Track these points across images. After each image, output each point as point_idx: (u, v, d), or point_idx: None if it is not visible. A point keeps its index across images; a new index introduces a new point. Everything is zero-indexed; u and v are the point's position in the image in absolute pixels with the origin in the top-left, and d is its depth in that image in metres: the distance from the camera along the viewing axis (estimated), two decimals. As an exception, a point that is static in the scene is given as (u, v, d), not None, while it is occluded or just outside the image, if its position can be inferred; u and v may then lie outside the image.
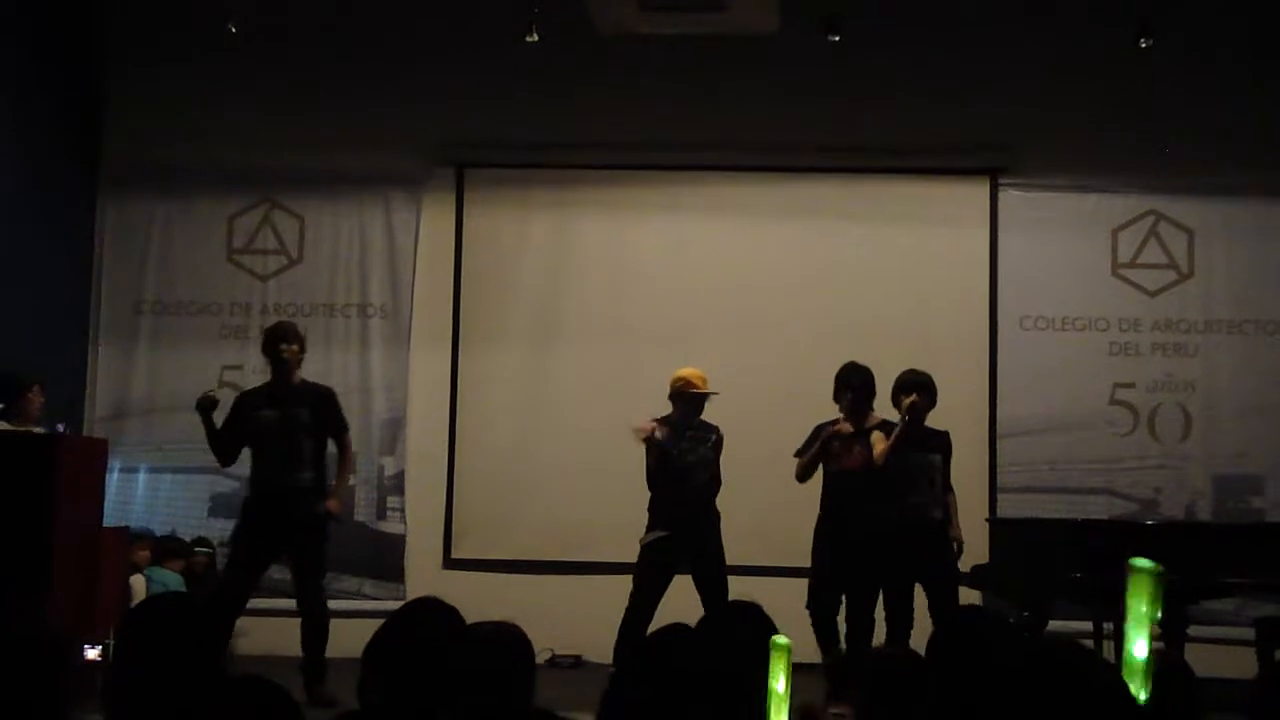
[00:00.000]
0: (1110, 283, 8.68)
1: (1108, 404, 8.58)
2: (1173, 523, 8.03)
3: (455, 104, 8.82)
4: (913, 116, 8.62)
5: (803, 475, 6.92)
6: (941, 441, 6.93)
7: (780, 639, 2.62)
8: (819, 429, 6.94)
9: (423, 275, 8.91)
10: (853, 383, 6.89)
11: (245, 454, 6.93)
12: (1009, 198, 8.72)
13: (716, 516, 7.02)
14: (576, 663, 8.07)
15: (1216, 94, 8.53)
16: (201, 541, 8.20)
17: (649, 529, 6.97)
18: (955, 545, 6.86)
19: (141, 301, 8.95)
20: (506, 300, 8.83)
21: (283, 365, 6.81)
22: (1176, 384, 8.59)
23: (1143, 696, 2.61)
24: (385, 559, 8.63)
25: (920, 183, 8.76)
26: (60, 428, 6.67)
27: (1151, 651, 2.76)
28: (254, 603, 6.78)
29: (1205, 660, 4.37)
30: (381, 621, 3.04)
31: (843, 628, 6.74)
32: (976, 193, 8.74)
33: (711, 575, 6.82)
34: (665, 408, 7.12)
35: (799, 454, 6.93)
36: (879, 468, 6.73)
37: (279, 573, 6.97)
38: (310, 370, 6.95)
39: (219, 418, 6.82)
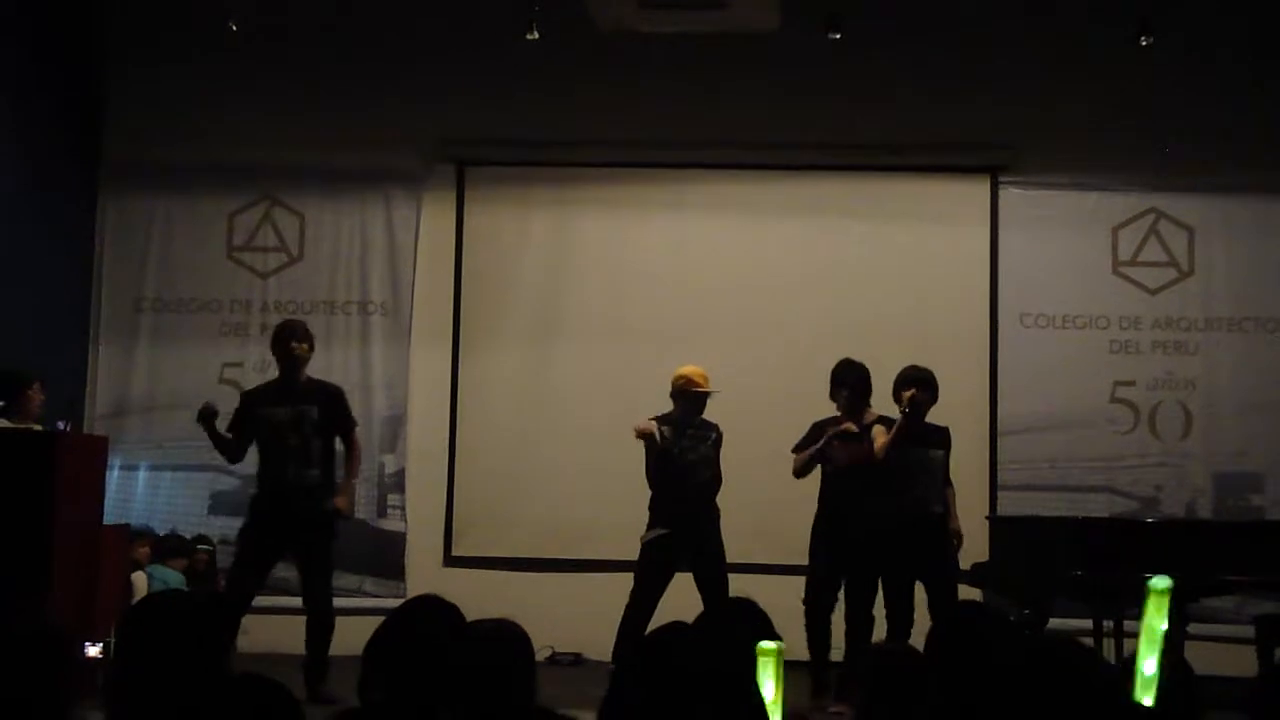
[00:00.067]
0: (1111, 281, 8.69)
1: (1108, 402, 8.59)
2: (1173, 521, 8.04)
3: (456, 101, 8.83)
4: (913, 115, 8.62)
5: (801, 472, 6.92)
6: (942, 437, 6.93)
7: (767, 645, 2.60)
8: (817, 425, 6.94)
9: (423, 273, 8.91)
10: (848, 379, 6.89)
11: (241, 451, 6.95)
12: (1009, 196, 8.72)
13: (717, 514, 7.02)
14: (576, 660, 8.08)
15: (1216, 92, 8.54)
16: (202, 539, 8.21)
17: (650, 527, 6.97)
18: (955, 538, 6.87)
19: (142, 299, 8.95)
20: (507, 298, 8.83)
21: (293, 363, 6.81)
22: (1177, 382, 8.59)
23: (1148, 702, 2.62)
24: (386, 556, 8.64)
25: (921, 181, 8.76)
26: (62, 425, 6.67)
27: (1160, 667, 2.76)
28: (255, 600, 6.78)
29: (1205, 658, 4.38)
30: (382, 619, 3.05)
31: (841, 626, 6.74)
32: (977, 191, 8.75)
33: (712, 574, 6.82)
34: (666, 405, 7.12)
35: (797, 449, 6.93)
36: (879, 461, 6.73)
37: (280, 571, 6.97)
38: (310, 368, 6.95)
39: (220, 422, 6.79)
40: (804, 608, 6.72)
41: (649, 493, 7.03)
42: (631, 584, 6.94)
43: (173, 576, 7.53)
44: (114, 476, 8.11)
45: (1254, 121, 8.54)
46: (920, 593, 6.73)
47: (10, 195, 8.00)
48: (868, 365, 6.95)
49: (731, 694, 2.74)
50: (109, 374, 8.87)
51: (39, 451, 6.17)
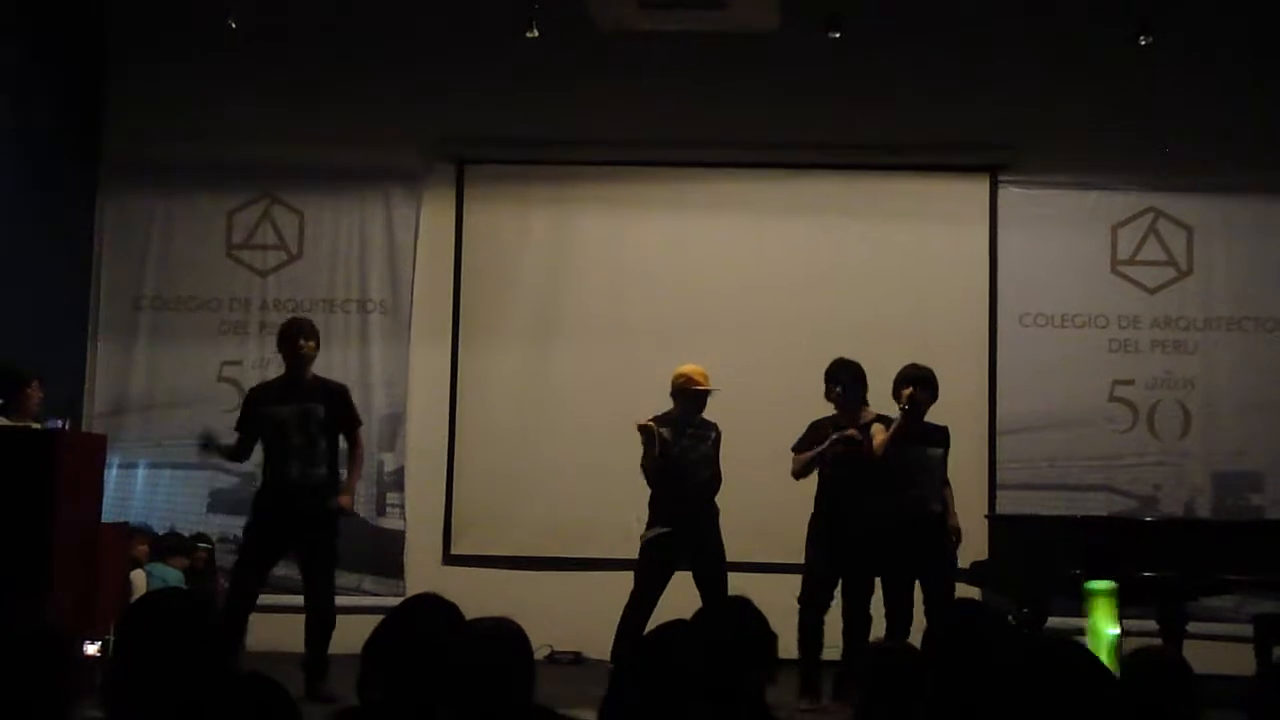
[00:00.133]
0: (1110, 280, 8.69)
1: (1107, 401, 8.59)
2: (1172, 520, 8.05)
3: (455, 100, 8.83)
4: (913, 114, 8.62)
5: (801, 474, 6.91)
6: (941, 436, 6.93)
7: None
8: (815, 425, 6.94)
9: (423, 271, 8.91)
10: (841, 378, 6.89)
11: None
12: (1009, 195, 8.72)
13: (716, 514, 7.02)
14: (576, 659, 8.08)
15: (1216, 92, 8.54)
16: (201, 537, 8.20)
17: (649, 526, 6.97)
18: (954, 536, 6.87)
19: (141, 297, 8.95)
20: (506, 296, 8.83)
21: (299, 361, 6.82)
22: (1176, 381, 8.59)
23: None
24: (385, 555, 8.64)
25: (920, 180, 8.76)
26: (62, 423, 6.67)
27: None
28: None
29: (1204, 657, 4.37)
30: (381, 618, 3.05)
31: (835, 625, 6.75)
32: (976, 190, 8.75)
33: (712, 573, 6.82)
34: (666, 404, 7.11)
35: (797, 449, 6.93)
36: (877, 459, 6.73)
37: (279, 569, 6.97)
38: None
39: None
40: (798, 606, 6.73)
41: (648, 492, 7.02)
42: (630, 583, 6.94)
43: (172, 575, 7.53)
44: (113, 474, 8.11)
45: (1253, 121, 8.54)
46: (918, 591, 6.73)
47: (10, 193, 8.00)
48: (868, 364, 6.95)
49: (730, 693, 2.74)
50: (108, 372, 8.87)
51: (38, 450, 6.16)
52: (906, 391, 6.75)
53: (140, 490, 8.68)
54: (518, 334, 8.79)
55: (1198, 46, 8.49)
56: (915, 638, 6.08)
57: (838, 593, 6.78)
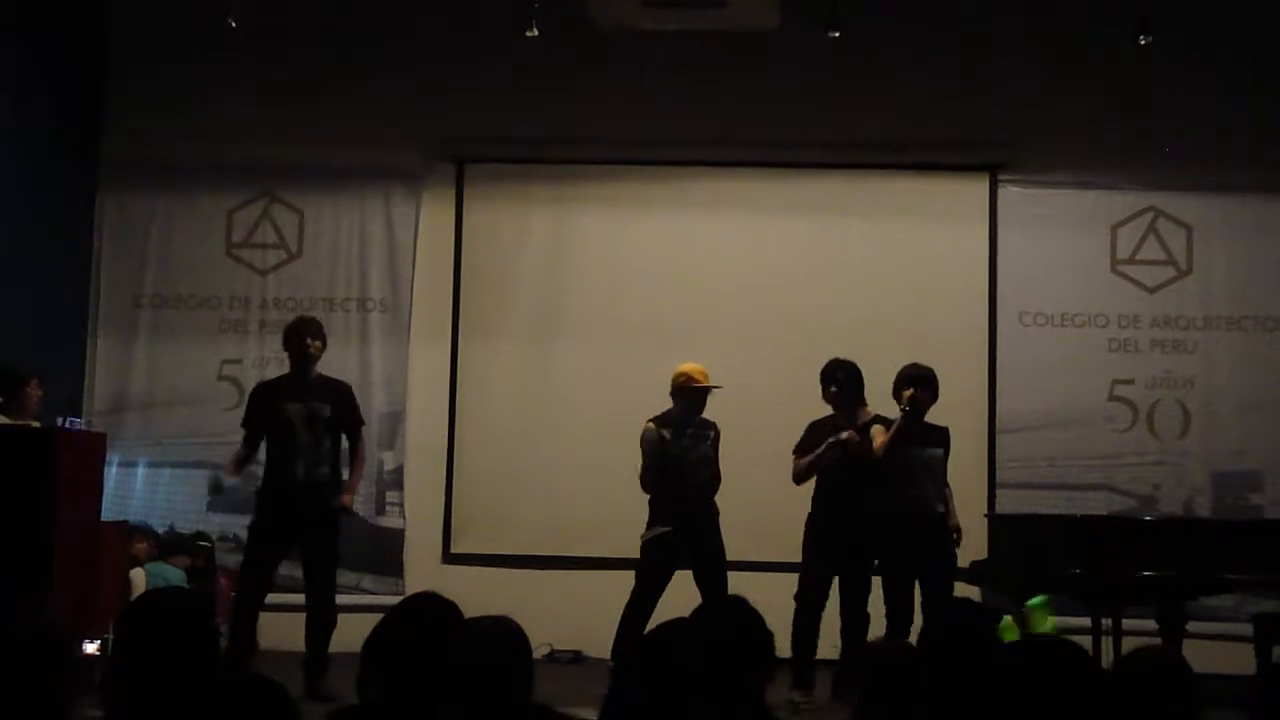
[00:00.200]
0: (1109, 279, 8.69)
1: (1107, 400, 8.59)
2: (1171, 519, 8.05)
3: (455, 99, 8.82)
4: (913, 113, 8.62)
5: (801, 479, 6.92)
6: (941, 436, 6.93)
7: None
8: (814, 426, 6.94)
9: (422, 270, 8.91)
10: (837, 377, 6.90)
11: (234, 450, 6.98)
12: (1009, 194, 8.72)
13: (716, 513, 7.02)
14: (575, 658, 8.08)
15: (1215, 91, 8.54)
16: (201, 536, 8.20)
17: (650, 526, 6.97)
18: (955, 533, 6.87)
19: (141, 295, 8.94)
20: (506, 295, 8.83)
21: (306, 360, 6.84)
22: (1175, 380, 8.59)
23: None
24: (384, 553, 8.64)
25: (920, 179, 8.76)
26: (75, 422, 6.67)
27: None
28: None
29: (1204, 657, 4.37)
30: (380, 616, 3.05)
31: (831, 623, 6.75)
32: (976, 189, 8.74)
33: (713, 573, 6.81)
34: (666, 403, 7.11)
35: (797, 452, 6.93)
36: (877, 459, 6.73)
37: (282, 568, 6.96)
38: (308, 364, 6.98)
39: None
40: (794, 603, 6.73)
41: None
42: (630, 581, 6.95)
43: (173, 574, 7.52)
44: (112, 473, 8.11)
45: (1253, 120, 8.54)
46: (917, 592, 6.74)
47: (10, 193, 8.00)
48: (868, 362, 6.95)
49: (731, 692, 2.74)
50: (108, 370, 8.87)
51: (37, 448, 6.17)
52: (907, 393, 6.74)
53: (140, 489, 8.68)
54: (517, 333, 8.79)
55: (1197, 46, 8.49)
56: (914, 637, 6.10)
57: (834, 592, 6.79)
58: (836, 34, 8.14)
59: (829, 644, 6.78)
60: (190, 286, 8.93)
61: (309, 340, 6.83)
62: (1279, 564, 6.52)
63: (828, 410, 6.97)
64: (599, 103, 8.72)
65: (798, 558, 6.93)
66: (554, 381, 8.73)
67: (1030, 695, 2.49)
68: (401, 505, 8.74)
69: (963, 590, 6.89)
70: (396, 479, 8.77)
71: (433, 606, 3.08)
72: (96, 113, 8.97)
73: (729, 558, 6.97)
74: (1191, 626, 6.54)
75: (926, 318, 8.49)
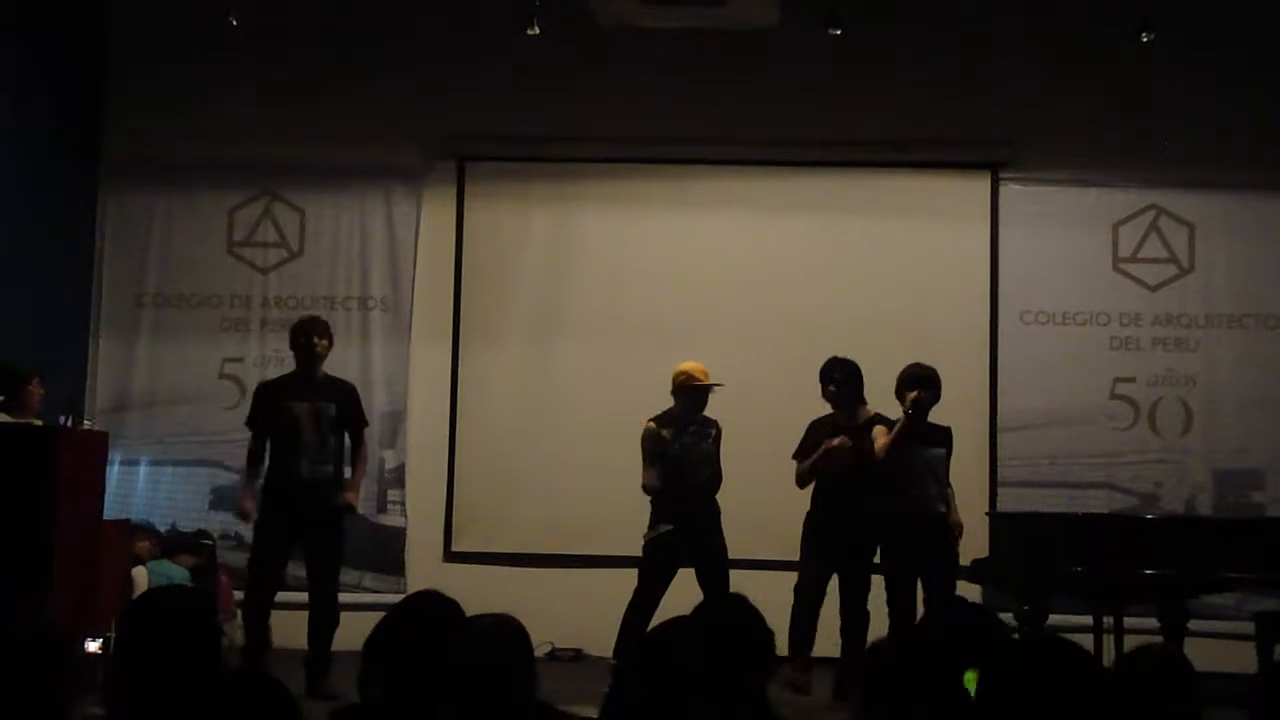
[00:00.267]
0: (1111, 277, 8.68)
1: (1108, 398, 8.58)
2: (1173, 517, 8.04)
3: (456, 97, 8.82)
4: (914, 111, 8.61)
5: (803, 482, 6.93)
6: (944, 436, 6.94)
7: None
8: (814, 425, 6.94)
9: (423, 269, 8.91)
10: (835, 377, 6.91)
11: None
12: (1010, 192, 8.71)
13: (718, 512, 7.03)
14: (577, 656, 8.08)
15: (1217, 89, 8.53)
16: (202, 534, 8.21)
17: (652, 525, 6.98)
18: (955, 529, 6.87)
19: (142, 294, 8.94)
20: (507, 294, 8.83)
21: (312, 359, 6.86)
22: (1177, 378, 8.59)
23: None
24: (386, 552, 8.64)
25: (921, 177, 8.75)
26: (85, 421, 6.68)
27: None
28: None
29: (1205, 655, 4.37)
30: (382, 615, 3.05)
31: (829, 621, 6.75)
32: (977, 187, 8.74)
33: (715, 572, 6.82)
34: (667, 402, 7.12)
35: (797, 455, 6.93)
36: (878, 460, 6.73)
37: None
38: (308, 363, 6.99)
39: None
40: (793, 596, 6.73)
41: (649, 489, 7.04)
42: (631, 579, 6.95)
43: (177, 572, 7.52)
44: (114, 472, 8.11)
45: (1254, 118, 8.53)
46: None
47: (10, 193, 8.00)
48: (868, 361, 6.96)
49: (732, 691, 2.74)
50: (109, 369, 8.87)
51: (39, 446, 6.17)
52: (911, 395, 6.75)
53: (142, 487, 8.68)
54: (518, 331, 8.79)
55: (1199, 43, 8.48)
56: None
57: (832, 590, 6.79)
58: (837, 32, 8.13)
59: (830, 642, 6.79)
60: (191, 285, 8.93)
61: (316, 339, 6.85)
62: (1280, 562, 6.53)
63: (828, 408, 6.98)
64: (599, 101, 8.71)
65: (798, 556, 6.94)
66: (555, 380, 8.73)
67: (1031, 695, 2.49)
68: (403, 504, 8.74)
69: (964, 588, 6.90)
70: (398, 477, 8.77)
71: (434, 605, 3.08)
72: (97, 112, 8.97)
73: (730, 556, 6.97)
74: (1193, 625, 6.54)
75: (927, 316, 8.49)
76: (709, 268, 8.70)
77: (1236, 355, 8.57)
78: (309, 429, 6.75)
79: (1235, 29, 8.53)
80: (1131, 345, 8.62)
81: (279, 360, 8.35)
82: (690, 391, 7.04)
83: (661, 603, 6.76)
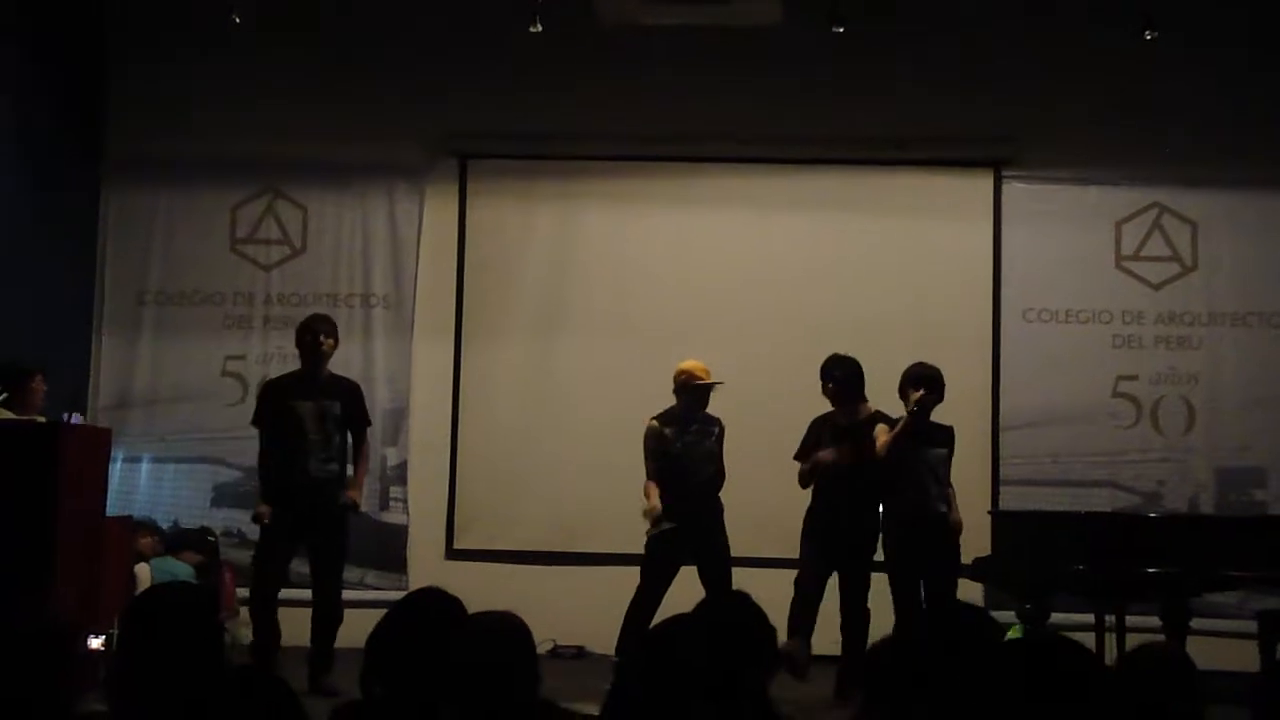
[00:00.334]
0: (1114, 275, 8.68)
1: (1111, 396, 8.58)
2: (1175, 515, 8.04)
3: (458, 95, 8.82)
4: (916, 109, 8.61)
5: (805, 483, 6.93)
6: (946, 436, 6.93)
7: None
8: (816, 423, 6.94)
9: (426, 266, 8.91)
10: (834, 374, 6.91)
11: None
12: (1012, 190, 8.71)
13: (720, 510, 7.03)
14: (579, 653, 8.08)
15: (1219, 87, 8.52)
16: (205, 531, 8.22)
17: (654, 522, 6.98)
18: (955, 528, 6.86)
19: (145, 292, 8.94)
20: (510, 291, 8.83)
21: (318, 358, 6.88)
22: (1180, 377, 8.58)
23: None
24: (388, 549, 8.64)
25: (924, 175, 8.75)
26: (79, 418, 6.69)
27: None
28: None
29: (1207, 653, 4.37)
30: (384, 612, 3.05)
31: (828, 619, 6.75)
32: (980, 185, 8.74)
33: (717, 570, 6.82)
34: (669, 399, 7.12)
35: (799, 455, 6.94)
36: (879, 459, 6.73)
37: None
38: (310, 360, 7.00)
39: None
40: (794, 587, 6.73)
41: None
42: (633, 577, 6.95)
43: (181, 569, 7.53)
44: (117, 469, 8.12)
45: (1257, 116, 8.53)
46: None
47: (12, 192, 8.01)
48: (871, 359, 6.96)
49: (734, 689, 2.74)
50: (112, 366, 8.88)
51: (42, 443, 6.18)
52: (916, 394, 6.74)
53: (144, 484, 8.69)
54: (521, 329, 8.79)
55: (1201, 41, 8.47)
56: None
57: (833, 588, 6.79)
58: (839, 29, 8.13)
59: (830, 641, 6.79)
60: (194, 283, 8.94)
61: (323, 338, 6.87)
62: (1283, 560, 6.52)
63: (830, 407, 6.98)
64: (602, 99, 8.71)
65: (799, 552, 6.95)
66: (557, 378, 8.73)
67: (1032, 694, 2.49)
68: (405, 501, 8.75)
69: (966, 587, 6.90)
70: (400, 475, 8.77)
71: (436, 602, 3.09)
72: (98, 111, 8.97)
73: (733, 554, 6.98)
74: (1195, 623, 6.53)
75: (930, 314, 8.49)
76: (711, 266, 8.70)
77: (1239, 353, 8.57)
78: (314, 427, 6.76)
79: (1236, 27, 8.52)
80: (1134, 343, 8.62)
81: (282, 357, 8.36)
82: (691, 390, 7.04)
83: (664, 600, 6.76)
